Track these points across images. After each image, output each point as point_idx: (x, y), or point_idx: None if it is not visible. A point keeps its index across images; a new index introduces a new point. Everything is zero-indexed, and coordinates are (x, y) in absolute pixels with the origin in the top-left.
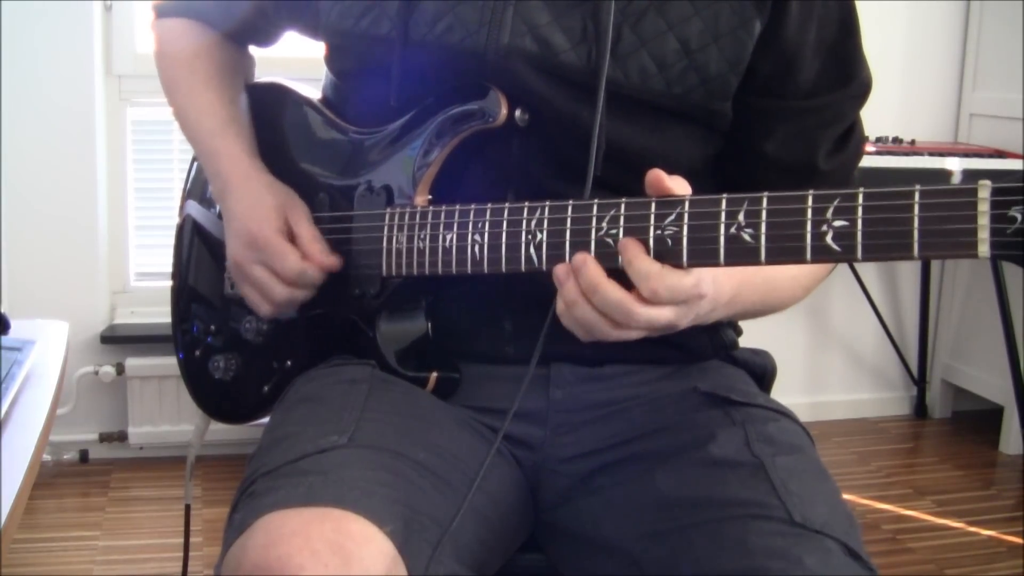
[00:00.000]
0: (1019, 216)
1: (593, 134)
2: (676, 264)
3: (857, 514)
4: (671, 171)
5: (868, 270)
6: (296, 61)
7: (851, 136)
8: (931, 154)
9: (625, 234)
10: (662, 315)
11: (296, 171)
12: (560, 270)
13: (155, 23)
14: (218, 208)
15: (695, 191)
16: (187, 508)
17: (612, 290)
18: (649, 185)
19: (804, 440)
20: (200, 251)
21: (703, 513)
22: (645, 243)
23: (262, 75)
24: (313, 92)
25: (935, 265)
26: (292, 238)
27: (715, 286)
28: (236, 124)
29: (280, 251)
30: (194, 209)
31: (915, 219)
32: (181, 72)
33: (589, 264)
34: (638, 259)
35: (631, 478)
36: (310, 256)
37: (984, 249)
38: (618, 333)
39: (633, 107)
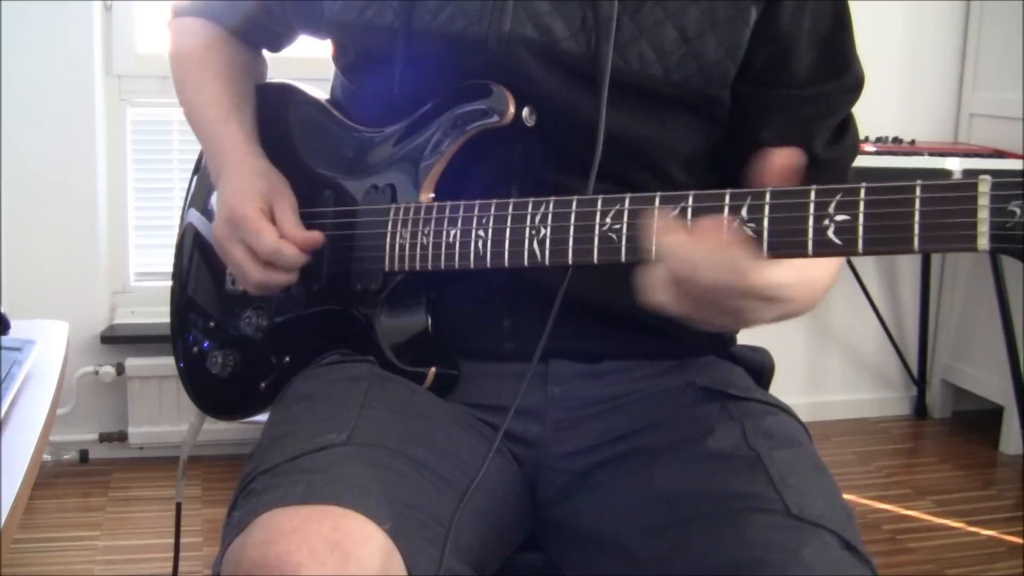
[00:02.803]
0: (1019, 210)
1: (599, 123)
2: None
3: (857, 514)
4: (671, 161)
5: (868, 270)
6: (305, 62)
7: (847, 129)
8: (931, 154)
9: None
10: (737, 303)
11: (303, 170)
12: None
13: (171, 23)
14: None
15: (695, 181)
16: (178, 506)
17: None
18: None
19: (802, 435)
20: (200, 260)
21: (701, 507)
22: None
23: (273, 76)
24: (322, 94)
25: (935, 265)
26: (273, 222)
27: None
28: (239, 112)
29: (256, 227)
30: (195, 218)
31: (916, 213)
32: (192, 66)
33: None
34: (735, 246)
35: (629, 473)
36: (287, 234)
37: (983, 242)
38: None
39: (633, 95)
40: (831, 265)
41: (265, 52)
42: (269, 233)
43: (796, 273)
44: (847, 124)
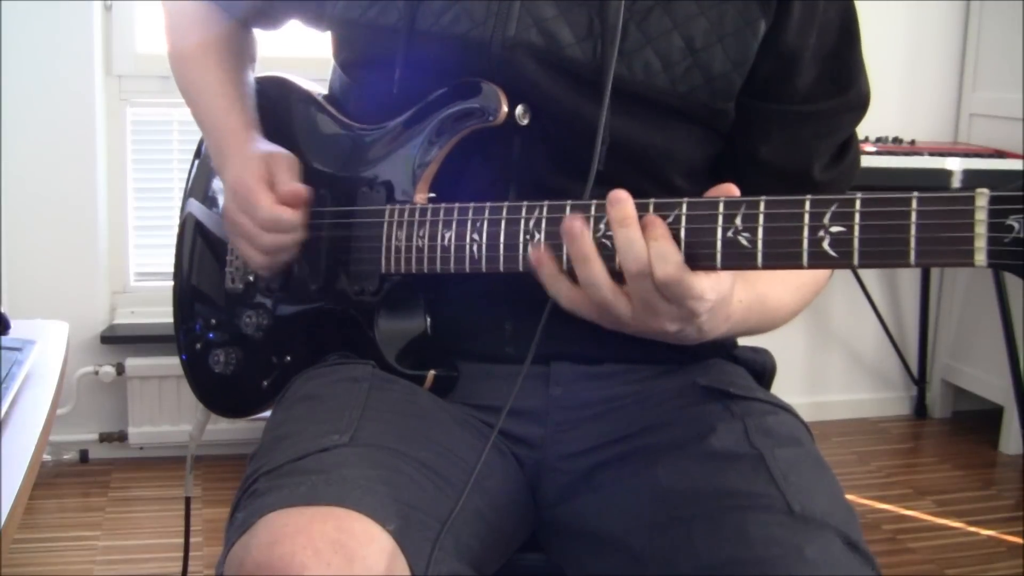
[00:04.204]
0: (1016, 225)
1: (598, 129)
2: None
3: (857, 514)
4: (673, 169)
5: (868, 271)
6: (302, 61)
7: (848, 150)
8: (931, 154)
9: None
10: (658, 306)
11: None
12: (576, 224)
13: (165, 2)
14: (219, 208)
15: (697, 190)
16: (187, 501)
17: (636, 234)
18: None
19: (803, 433)
20: (201, 249)
21: (703, 505)
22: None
23: (267, 73)
24: (316, 87)
25: None
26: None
27: (711, 318)
28: (243, 104)
29: (254, 198)
30: (195, 208)
31: (912, 227)
32: (193, 53)
33: (584, 235)
34: (664, 239)
35: (631, 473)
36: (282, 198)
37: (981, 258)
38: (616, 303)
39: (637, 104)
40: (785, 287)
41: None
42: (265, 198)
43: (722, 291)
44: (848, 144)
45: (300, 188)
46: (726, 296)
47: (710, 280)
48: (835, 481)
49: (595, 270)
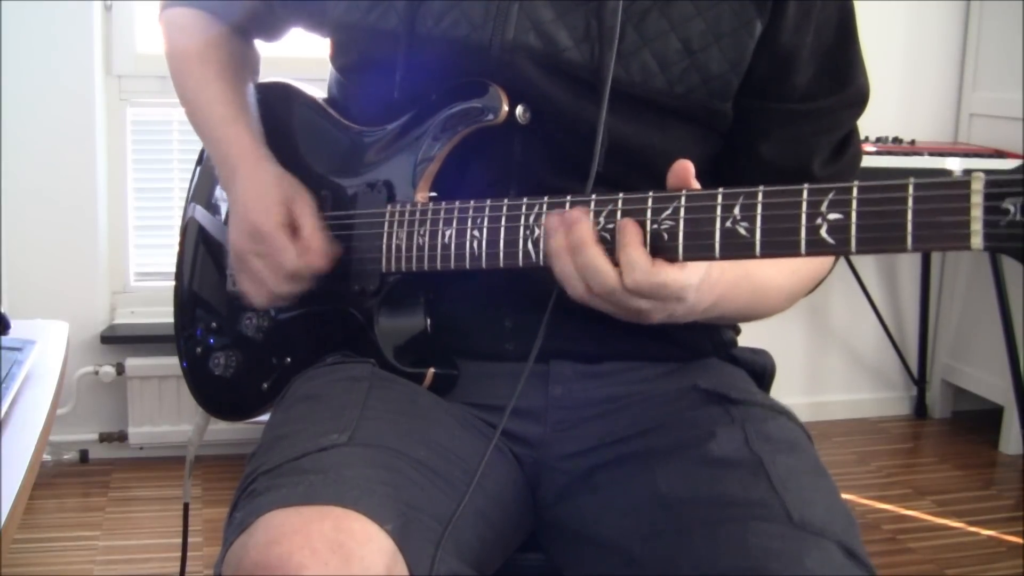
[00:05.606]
0: (1012, 208)
1: (598, 131)
2: (670, 259)
3: (857, 514)
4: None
5: (868, 270)
6: (302, 61)
7: (848, 146)
8: (931, 154)
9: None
10: (637, 303)
11: (299, 169)
12: (552, 220)
13: (163, 14)
14: (223, 214)
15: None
16: (185, 507)
17: (597, 255)
18: (675, 175)
19: (802, 438)
20: (203, 255)
21: (702, 512)
22: (643, 233)
23: (268, 75)
24: (318, 92)
25: (935, 264)
26: (295, 230)
27: (698, 295)
28: (247, 114)
29: (279, 247)
30: (198, 213)
31: (909, 212)
32: (192, 61)
33: (583, 222)
34: (632, 247)
35: (630, 476)
36: (309, 252)
37: (977, 241)
38: (589, 298)
39: (635, 105)
40: (778, 269)
41: (260, 45)
42: (291, 252)
43: (701, 273)
44: (848, 140)
45: (332, 255)
46: (706, 269)
47: (683, 271)
48: (834, 487)
49: (589, 251)
